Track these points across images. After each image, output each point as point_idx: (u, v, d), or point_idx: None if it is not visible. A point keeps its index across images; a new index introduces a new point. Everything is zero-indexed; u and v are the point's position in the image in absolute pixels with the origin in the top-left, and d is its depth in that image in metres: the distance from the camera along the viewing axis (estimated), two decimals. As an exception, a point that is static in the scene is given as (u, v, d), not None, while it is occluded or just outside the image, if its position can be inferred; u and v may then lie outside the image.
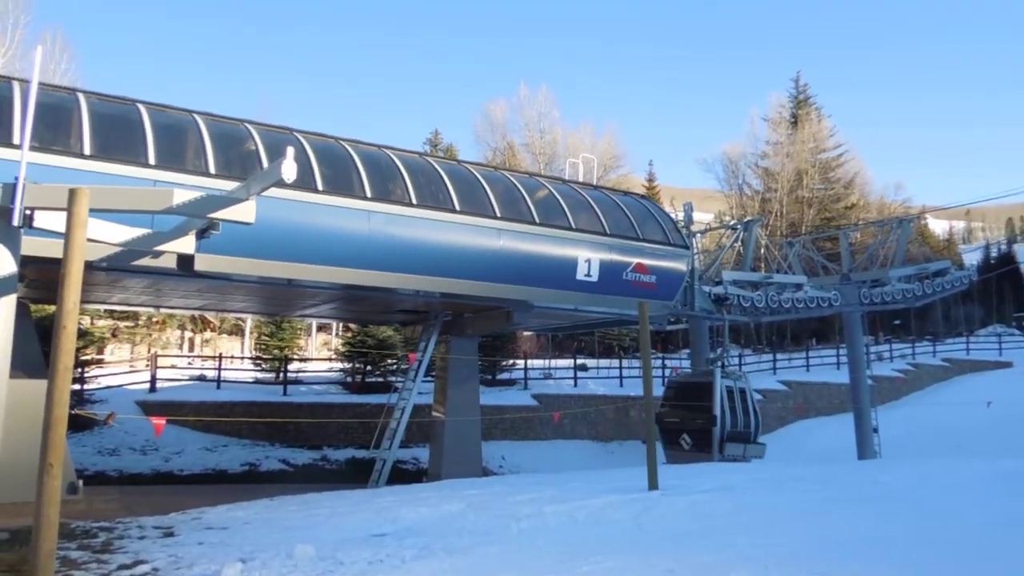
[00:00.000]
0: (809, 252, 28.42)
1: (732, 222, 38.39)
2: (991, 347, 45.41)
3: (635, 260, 18.36)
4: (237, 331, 42.87)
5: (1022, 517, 7.21)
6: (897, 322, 55.49)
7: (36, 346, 14.06)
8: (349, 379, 28.61)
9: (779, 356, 39.91)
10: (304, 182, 13.33)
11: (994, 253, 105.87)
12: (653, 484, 9.35)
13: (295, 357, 31.18)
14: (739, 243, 25.03)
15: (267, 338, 30.76)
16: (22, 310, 12.32)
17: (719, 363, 20.96)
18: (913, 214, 46.17)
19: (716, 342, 24.92)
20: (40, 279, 13.33)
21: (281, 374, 27.85)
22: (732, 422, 19.27)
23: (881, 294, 25.35)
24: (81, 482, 14.37)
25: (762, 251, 25.88)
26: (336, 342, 40.77)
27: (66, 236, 5.38)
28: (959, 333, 54.35)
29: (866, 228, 40.44)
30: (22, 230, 9.05)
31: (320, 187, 14.14)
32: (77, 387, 21.95)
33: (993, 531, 6.55)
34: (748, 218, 31.80)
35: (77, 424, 19.55)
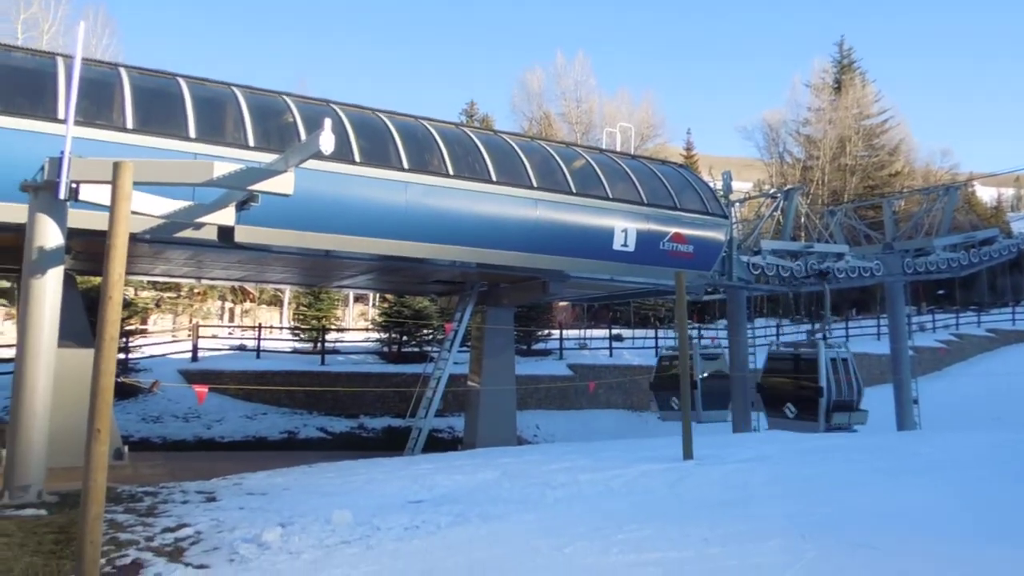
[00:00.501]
0: (851, 221, 27.89)
1: (772, 191, 37.84)
2: (1038, 317, 44.38)
3: (672, 230, 18.20)
4: (276, 302, 43.48)
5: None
6: (941, 292, 54.35)
7: (83, 317, 14.41)
8: (385, 349, 28.91)
9: (818, 327, 39.43)
10: (341, 154, 13.40)
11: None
12: (688, 454, 9.36)
13: (332, 327, 31.58)
14: (779, 212, 24.66)
15: (305, 308, 31.18)
16: (69, 282, 12.63)
17: (822, 334, 21.16)
18: (960, 181, 44.93)
19: (818, 314, 24.69)
20: (86, 251, 13.63)
21: (319, 344, 28.25)
22: (837, 391, 19.55)
23: (925, 263, 24.83)
24: (127, 448, 14.80)
25: (802, 220, 25.51)
26: (373, 312, 41.17)
27: (111, 209, 5.48)
28: (1005, 303, 53.10)
29: (911, 196, 39.52)
30: (68, 203, 9.28)
31: (357, 159, 14.20)
32: (122, 356, 22.49)
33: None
34: (788, 186, 31.27)
35: (122, 392, 20.06)
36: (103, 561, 5.30)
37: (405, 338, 29.02)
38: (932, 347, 35.69)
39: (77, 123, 9.64)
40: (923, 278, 26.42)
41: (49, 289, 9.24)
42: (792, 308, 49.69)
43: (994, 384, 29.79)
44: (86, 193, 9.03)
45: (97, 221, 8.30)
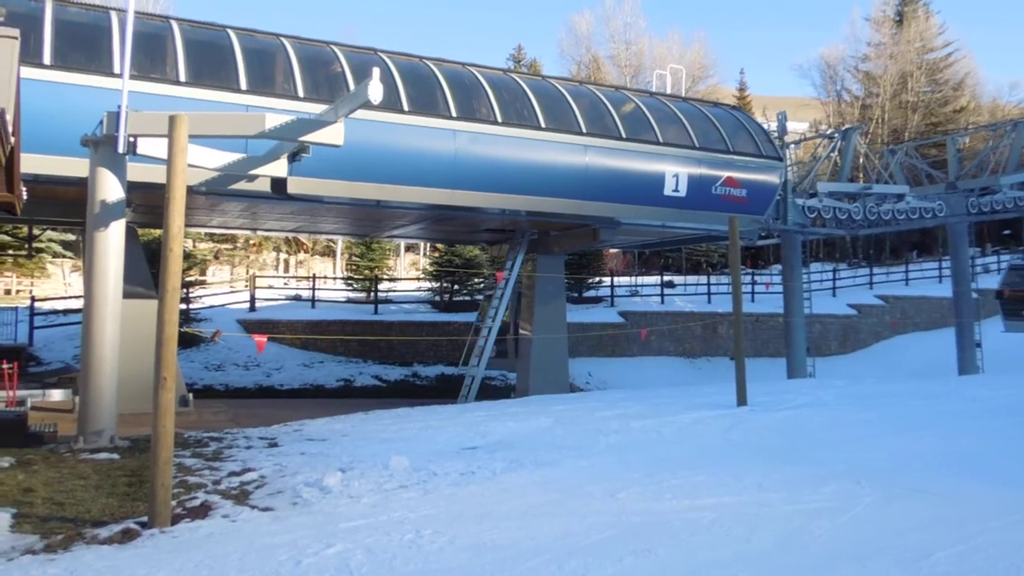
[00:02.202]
0: (913, 160, 26.97)
1: (829, 131, 36.70)
2: (1111, 258, 42.66)
3: (725, 174, 17.84)
4: (329, 252, 44.06)
5: None
6: (1007, 232, 52.48)
7: (145, 268, 14.82)
8: (437, 298, 29.18)
9: (876, 270, 38.56)
10: (390, 103, 13.37)
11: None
12: (742, 400, 9.32)
13: (385, 277, 31.92)
14: (836, 153, 23.93)
15: (358, 259, 31.53)
16: (131, 234, 12.97)
17: None
18: (1029, 117, 42.98)
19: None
20: (146, 204, 13.95)
21: (372, 293, 28.61)
22: None
23: (991, 202, 23.94)
24: (191, 395, 15.33)
25: (861, 160, 24.74)
26: (424, 262, 41.48)
27: (168, 162, 5.58)
28: (1075, 243, 51.07)
29: (976, 132, 37.96)
30: (127, 157, 9.48)
31: (406, 107, 14.16)
32: (183, 307, 23.09)
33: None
34: (846, 126, 30.28)
35: (185, 341, 20.67)
36: (174, 503, 5.53)
37: (456, 287, 29.22)
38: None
39: (132, 77, 9.77)
40: (988, 218, 25.54)
41: (112, 242, 9.49)
42: (850, 252, 48.60)
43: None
44: (144, 147, 9.20)
45: (155, 174, 8.45)
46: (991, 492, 5.09)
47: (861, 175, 26.26)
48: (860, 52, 56.28)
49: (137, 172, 10.19)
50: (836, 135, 24.72)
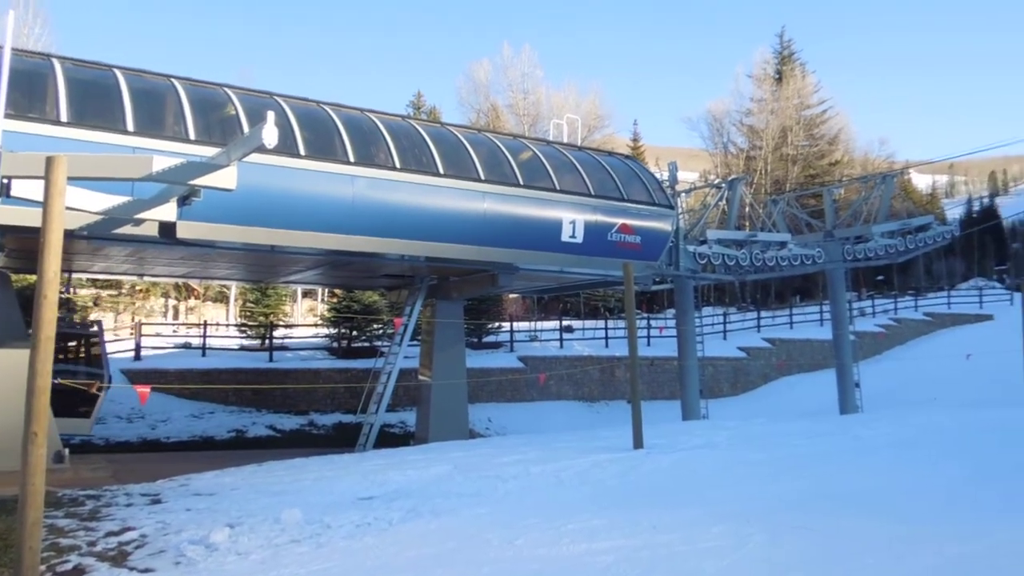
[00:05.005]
0: (793, 209, 28.47)
1: (717, 180, 38.39)
2: (972, 301, 45.95)
3: (620, 221, 18.35)
4: (222, 298, 42.68)
5: (984, 469, 7.41)
6: (880, 278, 55.95)
7: (19, 316, 13.97)
8: (335, 344, 28.63)
9: (763, 314, 40.22)
10: (286, 147, 13.20)
11: (976, 207, 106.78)
12: (638, 443, 9.47)
13: (281, 323, 31.15)
14: (724, 202, 25.03)
15: (252, 305, 30.68)
16: (3, 280, 12.25)
17: None
18: (897, 169, 46.21)
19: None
20: (20, 248, 13.19)
21: (267, 340, 27.83)
22: None
23: (864, 250, 25.49)
24: (67, 451, 14.40)
25: (747, 209, 25.91)
26: (322, 308, 40.72)
27: (44, 205, 5.31)
28: (941, 287, 54.89)
29: (850, 184, 40.50)
30: (0, 199, 8.98)
31: (303, 152, 13.99)
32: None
33: (959, 485, 6.73)
34: (732, 176, 31.76)
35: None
36: (44, 568, 5.16)
37: (355, 333, 28.76)
38: (872, 332, 36.67)
39: (8, 116, 9.31)
40: (863, 264, 27.12)
41: (-19, 289, 8.93)
42: (738, 296, 50.59)
43: (931, 366, 30.77)
44: (19, 189, 8.75)
45: (31, 217, 8.04)
46: (871, 527, 5.32)
47: (747, 223, 27.49)
48: (744, 107, 59.51)
49: (11, 215, 9.66)
50: (723, 185, 25.87)
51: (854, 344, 26.48)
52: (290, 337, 30.59)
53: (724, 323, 36.54)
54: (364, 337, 28.73)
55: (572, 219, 17.48)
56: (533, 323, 36.29)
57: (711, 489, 6.92)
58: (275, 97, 14.92)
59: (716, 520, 5.63)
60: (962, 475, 7.10)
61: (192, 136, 12.98)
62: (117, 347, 25.90)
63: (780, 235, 25.08)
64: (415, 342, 21.02)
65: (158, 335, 28.92)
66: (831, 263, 25.49)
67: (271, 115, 9.07)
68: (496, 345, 30.88)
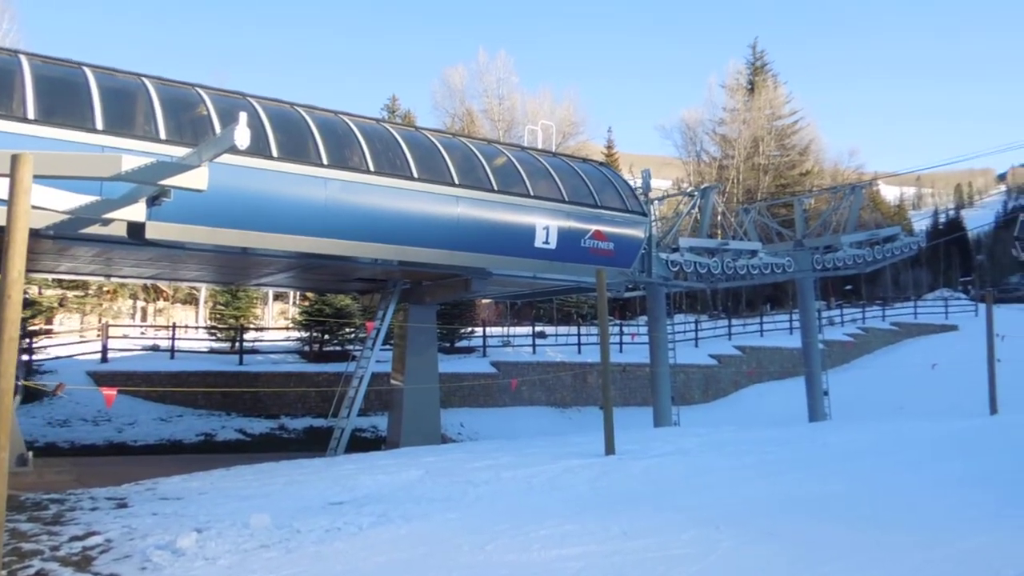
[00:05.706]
0: (764, 219, 28.78)
1: (689, 189, 38.68)
2: (938, 311, 46.73)
3: (593, 227, 18.42)
4: (191, 300, 42.22)
5: (946, 478, 7.54)
6: (848, 287, 56.77)
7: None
8: (307, 348, 28.43)
9: (734, 322, 40.60)
10: (258, 148, 13.09)
11: (943, 219, 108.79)
12: (610, 449, 9.49)
13: (251, 326, 30.87)
14: (696, 210, 25.23)
15: (222, 307, 30.39)
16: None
17: None
18: (865, 180, 46.89)
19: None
20: (-16, 248, 12.94)
21: (237, 343, 27.56)
22: None
23: (833, 260, 25.83)
24: (31, 454, 14.15)
25: (718, 218, 26.19)
26: (293, 311, 40.40)
27: (9, 203, 5.22)
28: (907, 298, 55.77)
29: (820, 195, 41.06)
30: (-37, 197, 8.80)
31: (275, 154, 13.88)
32: (25, 358, 21.47)
33: (921, 491, 6.85)
34: (705, 185, 32.06)
35: (26, 395, 19.17)
36: (5, 573, 5.06)
37: (327, 337, 28.59)
38: (841, 340, 37.16)
39: (-27, 113, 9.15)
40: (831, 274, 27.48)
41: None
42: (710, 304, 50.99)
43: (897, 375, 31.24)
44: (-17, 187, 8.57)
45: (-4, 217, 7.89)
46: (837, 533, 5.38)
47: (719, 231, 27.78)
48: (717, 116, 60.13)
49: (-25, 213, 9.47)
50: (696, 193, 26.09)
51: (823, 353, 26.82)
52: (261, 340, 30.34)
53: (696, 330, 36.82)
54: (336, 341, 28.57)
55: (546, 225, 17.52)
56: (506, 328, 36.32)
57: (682, 495, 6.96)
58: (248, 98, 14.79)
59: (686, 526, 5.66)
60: (928, 482, 7.22)
61: (163, 136, 12.83)
62: (83, 349, 25.52)
63: (751, 243, 25.34)
64: (387, 346, 20.93)
65: (126, 337, 28.52)
66: (801, 272, 25.79)
67: (243, 116, 9.00)
68: (469, 350, 30.85)
